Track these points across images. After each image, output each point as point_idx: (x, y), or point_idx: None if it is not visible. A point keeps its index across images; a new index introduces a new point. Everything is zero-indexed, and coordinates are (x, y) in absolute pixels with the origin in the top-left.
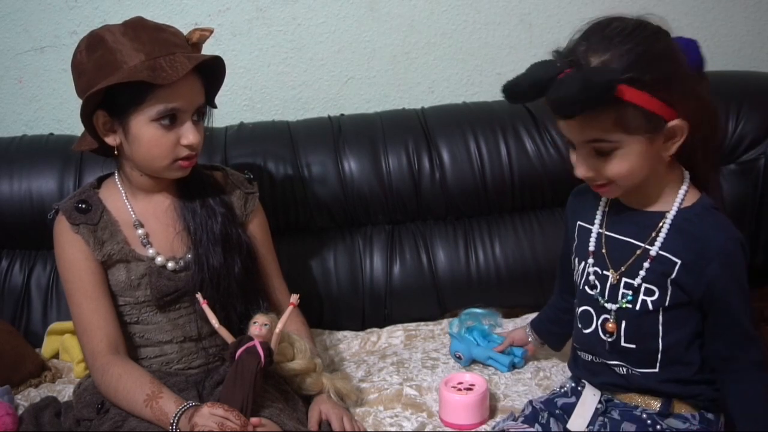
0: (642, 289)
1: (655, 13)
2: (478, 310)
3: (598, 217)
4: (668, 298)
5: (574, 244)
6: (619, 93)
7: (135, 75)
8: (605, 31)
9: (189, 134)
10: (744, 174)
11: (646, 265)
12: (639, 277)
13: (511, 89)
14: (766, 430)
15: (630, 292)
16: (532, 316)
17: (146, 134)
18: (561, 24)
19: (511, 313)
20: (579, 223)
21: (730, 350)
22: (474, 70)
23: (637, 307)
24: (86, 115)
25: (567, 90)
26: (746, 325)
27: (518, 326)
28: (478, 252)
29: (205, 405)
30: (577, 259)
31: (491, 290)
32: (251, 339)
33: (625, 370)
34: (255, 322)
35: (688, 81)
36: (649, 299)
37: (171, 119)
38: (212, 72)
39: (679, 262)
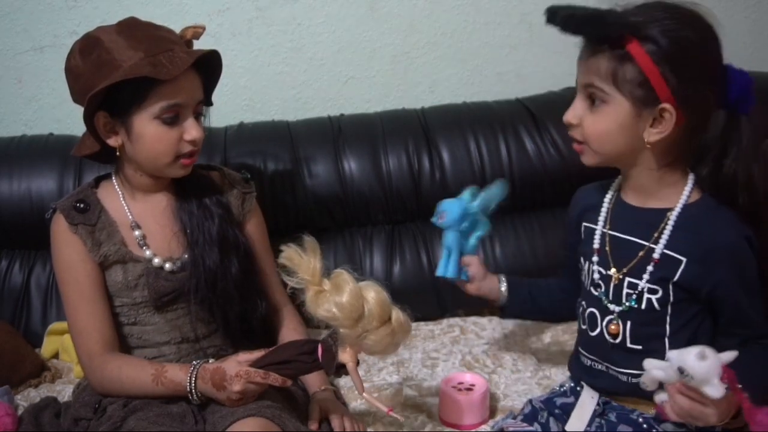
0: (646, 288)
1: None
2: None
3: (602, 215)
4: (671, 295)
5: (580, 245)
6: (627, 44)
7: (137, 71)
8: (661, 5)
9: (192, 129)
10: None
11: (650, 268)
12: (644, 280)
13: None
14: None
15: (634, 293)
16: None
17: (149, 132)
18: None
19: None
20: (584, 224)
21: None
22: (474, 70)
23: (643, 306)
24: (88, 118)
25: (580, 9)
26: (758, 321)
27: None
28: (478, 252)
29: (232, 361)
30: (582, 259)
31: None
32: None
33: (627, 377)
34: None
35: (703, 88)
36: (653, 297)
37: (173, 116)
38: (209, 67)
39: (684, 260)
